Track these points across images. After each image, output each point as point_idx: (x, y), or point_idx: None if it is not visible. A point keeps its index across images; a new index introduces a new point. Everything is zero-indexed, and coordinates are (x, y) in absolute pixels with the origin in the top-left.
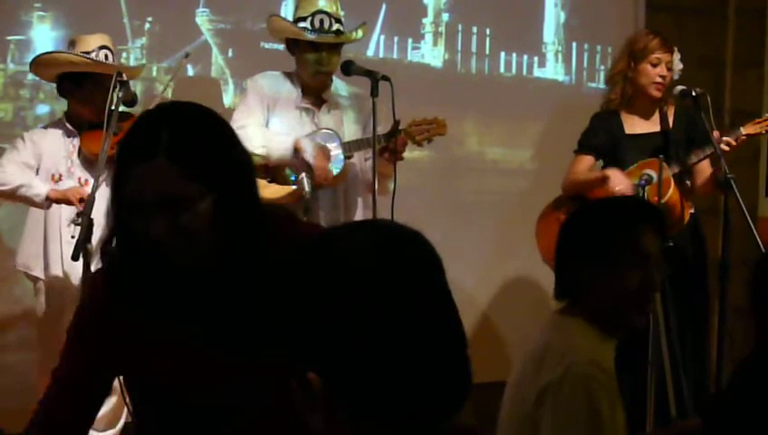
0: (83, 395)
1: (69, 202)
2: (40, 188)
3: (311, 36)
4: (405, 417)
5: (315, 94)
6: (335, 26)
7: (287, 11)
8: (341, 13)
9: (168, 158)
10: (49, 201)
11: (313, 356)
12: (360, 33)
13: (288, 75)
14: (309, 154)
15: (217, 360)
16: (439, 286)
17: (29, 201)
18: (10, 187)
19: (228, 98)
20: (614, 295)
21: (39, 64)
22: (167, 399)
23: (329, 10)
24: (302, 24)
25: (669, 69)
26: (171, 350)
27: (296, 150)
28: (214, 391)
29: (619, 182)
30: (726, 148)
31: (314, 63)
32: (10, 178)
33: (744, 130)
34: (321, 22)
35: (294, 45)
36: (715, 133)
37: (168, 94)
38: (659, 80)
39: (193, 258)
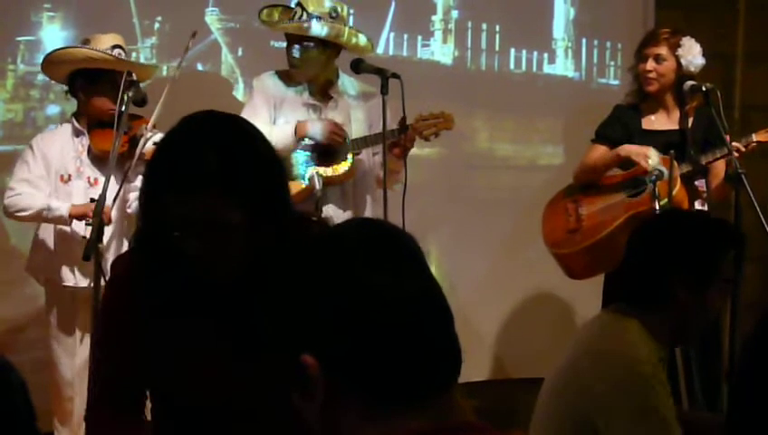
0: (127, 386)
1: (88, 217)
2: (60, 209)
3: (272, 24)
4: (401, 393)
5: (322, 91)
6: (305, 20)
7: None
8: (328, 11)
9: (217, 187)
10: (71, 218)
11: (308, 340)
12: (318, 28)
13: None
14: (318, 132)
15: (234, 361)
16: (423, 263)
17: (52, 222)
18: (31, 212)
19: (239, 96)
20: (690, 314)
21: (52, 62)
22: (180, 395)
23: (304, 3)
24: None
25: (659, 61)
26: (189, 348)
27: (300, 138)
28: (227, 390)
29: (645, 156)
30: (736, 154)
31: (287, 57)
32: (29, 202)
33: (755, 137)
34: (294, 14)
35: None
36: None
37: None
38: (645, 74)
39: (228, 272)
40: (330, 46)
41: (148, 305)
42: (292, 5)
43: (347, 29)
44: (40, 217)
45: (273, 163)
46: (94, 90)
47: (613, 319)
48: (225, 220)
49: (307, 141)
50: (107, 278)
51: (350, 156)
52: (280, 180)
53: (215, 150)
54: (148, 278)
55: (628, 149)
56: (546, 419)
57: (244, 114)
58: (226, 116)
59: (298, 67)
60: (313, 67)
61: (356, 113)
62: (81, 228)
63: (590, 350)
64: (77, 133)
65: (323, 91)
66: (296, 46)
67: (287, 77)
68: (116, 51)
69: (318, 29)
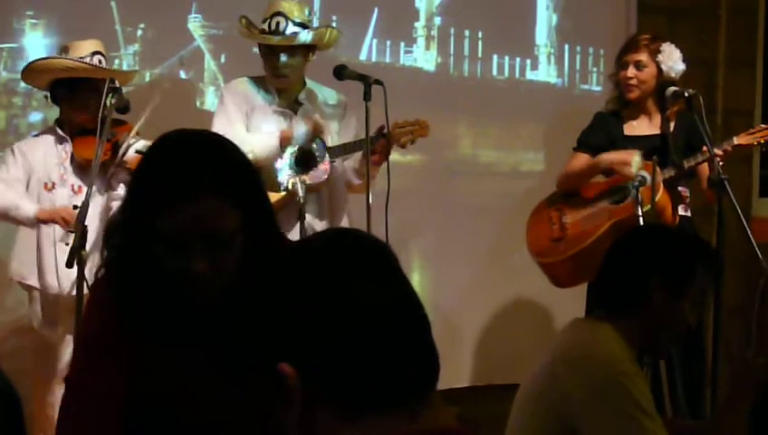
0: (108, 401)
1: (56, 222)
2: (28, 209)
3: (261, 38)
4: (381, 399)
5: (290, 98)
6: (293, 29)
7: None
8: (308, 17)
9: (212, 193)
10: (38, 221)
11: (286, 349)
12: (305, 35)
13: (262, 80)
14: (302, 133)
15: (225, 386)
16: (399, 271)
17: (17, 222)
18: (2, 203)
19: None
20: (663, 320)
21: (33, 71)
22: (163, 421)
23: (287, 12)
24: (262, 26)
25: (640, 68)
26: (174, 372)
27: (283, 142)
28: (218, 416)
29: (626, 163)
30: (718, 157)
31: (270, 66)
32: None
33: (736, 141)
34: (278, 24)
35: (260, 48)
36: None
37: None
38: (625, 81)
39: (221, 290)
40: (310, 51)
41: (134, 335)
42: (266, 17)
43: (328, 31)
44: (7, 214)
45: (254, 172)
46: (76, 99)
47: (587, 325)
48: (224, 227)
49: (288, 151)
50: (89, 286)
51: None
52: (262, 189)
53: (201, 161)
54: (131, 307)
55: (609, 159)
56: (523, 425)
57: (218, 121)
58: (200, 131)
59: (286, 75)
60: (298, 73)
61: (331, 124)
62: (65, 236)
63: (566, 356)
64: (60, 140)
65: (292, 98)
66: (283, 55)
67: (263, 84)
68: (96, 57)
69: (305, 36)
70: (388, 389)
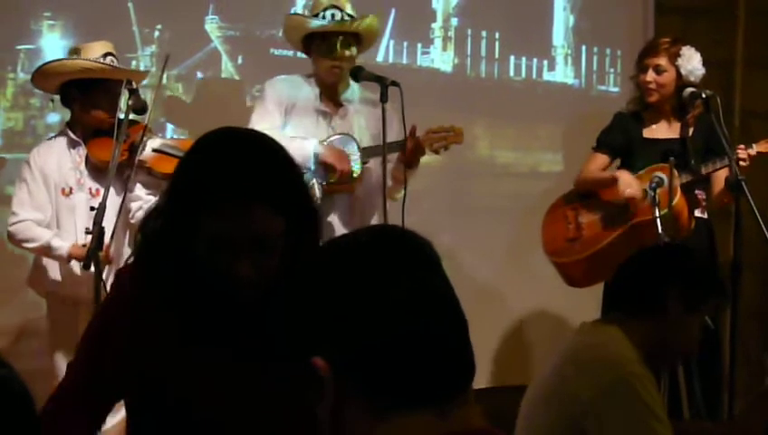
0: (93, 398)
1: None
2: (61, 250)
3: (329, 25)
4: (414, 396)
5: (333, 98)
6: (347, 19)
7: None
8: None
9: (263, 200)
10: (70, 258)
11: (321, 343)
12: (371, 21)
13: (306, 79)
14: (325, 155)
15: (245, 377)
16: (439, 270)
17: (52, 259)
18: (35, 244)
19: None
20: (675, 330)
21: (47, 73)
22: (181, 414)
23: (341, 5)
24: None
25: (659, 72)
26: (198, 363)
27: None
28: (236, 407)
29: (628, 186)
30: (743, 161)
31: (328, 56)
32: (34, 234)
33: (756, 148)
34: (332, 16)
35: (309, 43)
36: (739, 149)
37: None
38: (645, 85)
39: (260, 290)
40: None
41: (161, 329)
42: (318, 12)
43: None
44: (42, 251)
45: (300, 175)
46: (90, 101)
47: (596, 328)
48: (271, 232)
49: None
50: (107, 288)
51: (358, 164)
52: (307, 191)
53: (251, 165)
54: (163, 302)
55: (621, 175)
56: (532, 426)
57: (256, 116)
58: (247, 131)
59: (343, 67)
60: (349, 69)
61: (361, 120)
62: (77, 268)
63: (575, 358)
64: (73, 144)
65: (335, 99)
66: (338, 44)
67: (307, 83)
68: (108, 59)
69: (367, 21)
70: (420, 386)
